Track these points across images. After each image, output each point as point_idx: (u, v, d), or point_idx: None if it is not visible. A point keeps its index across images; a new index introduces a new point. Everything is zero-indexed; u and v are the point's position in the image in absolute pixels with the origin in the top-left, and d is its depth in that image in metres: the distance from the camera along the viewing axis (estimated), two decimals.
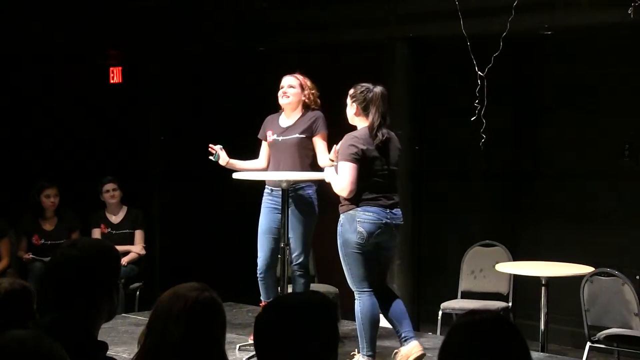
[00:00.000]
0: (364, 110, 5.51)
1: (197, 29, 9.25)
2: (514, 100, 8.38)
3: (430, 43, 8.08)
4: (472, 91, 6.94)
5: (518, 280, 7.25)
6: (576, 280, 6.51)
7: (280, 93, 6.18)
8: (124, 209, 8.31)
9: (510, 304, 7.23)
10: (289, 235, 6.02)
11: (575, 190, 8.04)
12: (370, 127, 5.47)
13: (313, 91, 6.18)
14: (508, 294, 7.31)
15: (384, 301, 5.59)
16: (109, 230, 8.21)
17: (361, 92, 5.53)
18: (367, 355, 5.51)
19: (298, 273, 6.14)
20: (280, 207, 6.01)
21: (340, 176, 5.42)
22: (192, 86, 9.66)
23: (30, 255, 7.90)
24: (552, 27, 7.35)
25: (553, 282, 6.64)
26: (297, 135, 6.09)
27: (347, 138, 5.47)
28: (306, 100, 6.16)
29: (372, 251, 5.47)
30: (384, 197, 5.47)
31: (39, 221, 8.10)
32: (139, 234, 8.27)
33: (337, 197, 5.55)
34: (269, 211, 6.14)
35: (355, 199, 5.43)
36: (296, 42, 8.76)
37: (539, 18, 7.20)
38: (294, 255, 6.10)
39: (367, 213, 5.40)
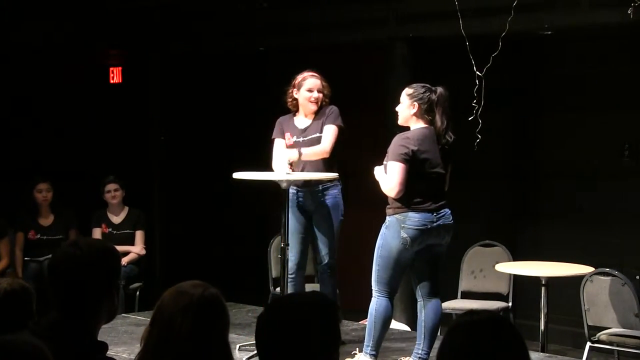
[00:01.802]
0: (427, 111, 5.39)
1: (197, 29, 9.25)
2: (514, 100, 8.38)
3: (430, 43, 8.08)
4: (472, 91, 6.94)
5: (518, 280, 7.25)
6: (576, 280, 6.51)
7: (310, 98, 5.99)
8: (125, 210, 8.31)
9: (510, 304, 7.23)
10: (315, 235, 6.04)
11: (575, 190, 8.05)
12: (439, 130, 5.38)
13: (327, 90, 6.09)
14: (508, 294, 7.31)
15: (426, 307, 5.53)
16: (110, 230, 8.21)
17: (424, 92, 5.40)
18: (371, 354, 5.49)
19: (326, 274, 6.09)
20: (305, 208, 6.03)
21: (389, 176, 5.31)
22: (192, 86, 9.66)
23: (37, 237, 7.94)
24: (552, 27, 7.35)
25: (553, 282, 6.64)
26: (318, 134, 5.99)
27: (398, 138, 5.37)
28: (324, 100, 6.07)
29: (410, 257, 5.41)
30: (432, 200, 5.37)
31: (35, 217, 8.12)
32: (139, 235, 8.27)
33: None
34: (295, 211, 6.02)
35: (404, 202, 5.33)
36: (296, 42, 8.76)
37: (538, 18, 7.21)
38: (321, 256, 6.07)
39: (413, 218, 5.32)
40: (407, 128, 5.49)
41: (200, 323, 2.57)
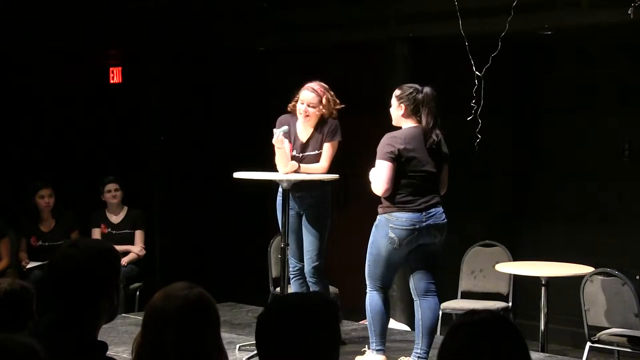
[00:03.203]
0: (414, 112, 5.47)
1: (197, 29, 9.25)
2: (514, 100, 8.39)
3: (430, 43, 8.08)
4: (472, 91, 6.94)
5: (518, 280, 7.25)
6: (576, 280, 6.51)
7: (301, 109, 5.94)
8: (125, 209, 8.30)
9: (510, 304, 7.23)
10: (302, 239, 6.04)
11: (575, 190, 8.05)
12: (425, 129, 5.44)
13: (332, 104, 5.96)
14: (508, 294, 7.31)
15: (422, 305, 5.55)
16: (109, 230, 8.20)
17: (410, 93, 5.48)
18: (377, 350, 5.54)
19: (312, 279, 6.07)
20: (294, 208, 6.02)
21: (376, 175, 5.41)
22: (192, 86, 9.66)
23: (28, 264, 7.89)
24: (552, 27, 7.36)
25: (553, 282, 6.64)
26: (316, 152, 6.00)
27: (386, 137, 5.46)
28: (325, 113, 5.97)
29: (402, 256, 5.46)
30: (422, 199, 5.42)
31: (36, 223, 8.09)
32: (139, 234, 8.27)
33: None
34: (291, 212, 6.02)
35: (392, 201, 5.40)
36: (296, 42, 8.76)
37: (538, 18, 7.21)
38: (306, 259, 6.06)
39: (400, 218, 5.38)
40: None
41: (187, 326, 2.56)
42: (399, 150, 5.36)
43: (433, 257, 5.59)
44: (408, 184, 5.40)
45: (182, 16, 9.25)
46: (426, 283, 5.57)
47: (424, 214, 5.41)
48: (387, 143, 5.40)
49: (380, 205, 5.49)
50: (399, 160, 5.37)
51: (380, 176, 5.38)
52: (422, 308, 5.55)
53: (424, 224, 5.41)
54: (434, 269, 5.63)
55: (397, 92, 5.56)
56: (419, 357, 5.52)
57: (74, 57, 9.20)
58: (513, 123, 8.43)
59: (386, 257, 5.44)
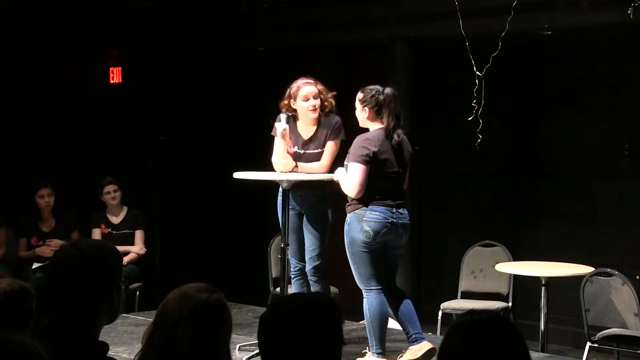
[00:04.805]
0: (377, 113, 5.51)
1: (197, 29, 9.25)
2: (514, 100, 8.38)
3: (430, 43, 8.08)
4: (472, 91, 6.94)
5: (518, 280, 7.26)
6: (576, 280, 6.52)
7: (308, 107, 5.87)
8: (124, 210, 8.30)
9: (510, 304, 7.23)
10: (304, 238, 6.04)
11: (575, 190, 8.04)
12: (386, 130, 5.48)
13: (326, 93, 5.94)
14: (508, 294, 7.32)
15: (393, 301, 5.62)
16: (109, 230, 8.20)
17: (372, 95, 5.51)
18: (377, 353, 5.56)
19: (313, 278, 6.06)
20: (295, 208, 6.01)
21: (350, 177, 5.44)
22: (192, 86, 9.66)
23: (39, 247, 7.90)
24: (551, 27, 7.36)
25: (553, 282, 6.64)
26: (319, 150, 5.97)
27: (359, 139, 5.49)
28: (326, 106, 5.94)
29: (379, 250, 5.51)
30: (391, 197, 5.50)
31: (36, 222, 8.10)
32: (139, 234, 8.27)
33: (343, 197, 5.57)
34: (291, 212, 6.01)
35: (363, 199, 5.46)
36: (296, 42, 8.76)
37: (538, 18, 7.21)
38: (307, 259, 6.06)
39: (374, 212, 5.44)
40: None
41: (203, 329, 2.57)
42: (373, 152, 5.42)
43: (399, 259, 5.76)
44: (380, 184, 5.46)
45: (182, 16, 9.25)
46: (393, 284, 5.70)
47: (394, 210, 5.50)
48: (361, 145, 5.45)
49: (348, 204, 5.53)
50: (373, 163, 5.42)
51: (354, 178, 5.42)
52: (393, 303, 5.61)
53: (394, 220, 5.49)
54: (395, 273, 5.77)
55: (359, 95, 5.59)
56: (415, 340, 5.56)
57: (74, 57, 9.20)
58: (513, 123, 8.42)
59: (367, 251, 5.48)
